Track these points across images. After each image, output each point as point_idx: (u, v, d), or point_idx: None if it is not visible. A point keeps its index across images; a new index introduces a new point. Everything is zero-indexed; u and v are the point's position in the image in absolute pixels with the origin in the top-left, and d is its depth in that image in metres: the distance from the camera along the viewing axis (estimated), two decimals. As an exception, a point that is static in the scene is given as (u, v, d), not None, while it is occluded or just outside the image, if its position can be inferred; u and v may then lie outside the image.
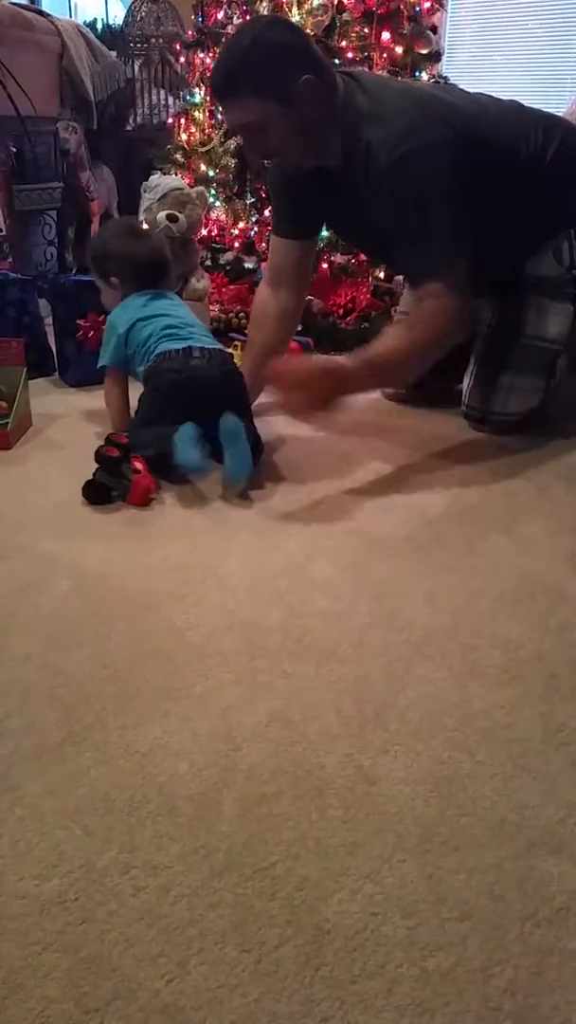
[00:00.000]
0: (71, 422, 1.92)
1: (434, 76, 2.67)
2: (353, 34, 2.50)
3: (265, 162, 2.02)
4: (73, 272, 3.33)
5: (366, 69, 2.49)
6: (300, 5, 2.52)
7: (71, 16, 4.34)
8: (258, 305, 1.96)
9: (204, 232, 2.74)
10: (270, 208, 2.07)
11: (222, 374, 1.66)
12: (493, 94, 1.76)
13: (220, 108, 1.78)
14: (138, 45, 3.87)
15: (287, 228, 1.87)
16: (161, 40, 3.81)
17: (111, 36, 3.92)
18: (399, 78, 2.41)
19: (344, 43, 2.51)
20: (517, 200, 1.68)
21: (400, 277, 2.48)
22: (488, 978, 0.66)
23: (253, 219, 2.75)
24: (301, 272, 1.92)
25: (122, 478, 1.50)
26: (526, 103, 1.78)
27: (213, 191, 2.74)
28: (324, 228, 1.97)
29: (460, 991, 0.65)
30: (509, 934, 0.70)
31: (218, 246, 2.82)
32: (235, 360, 2.21)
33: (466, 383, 1.89)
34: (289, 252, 1.88)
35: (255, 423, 1.69)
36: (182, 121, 2.94)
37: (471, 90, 1.79)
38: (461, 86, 2.61)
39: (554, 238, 1.76)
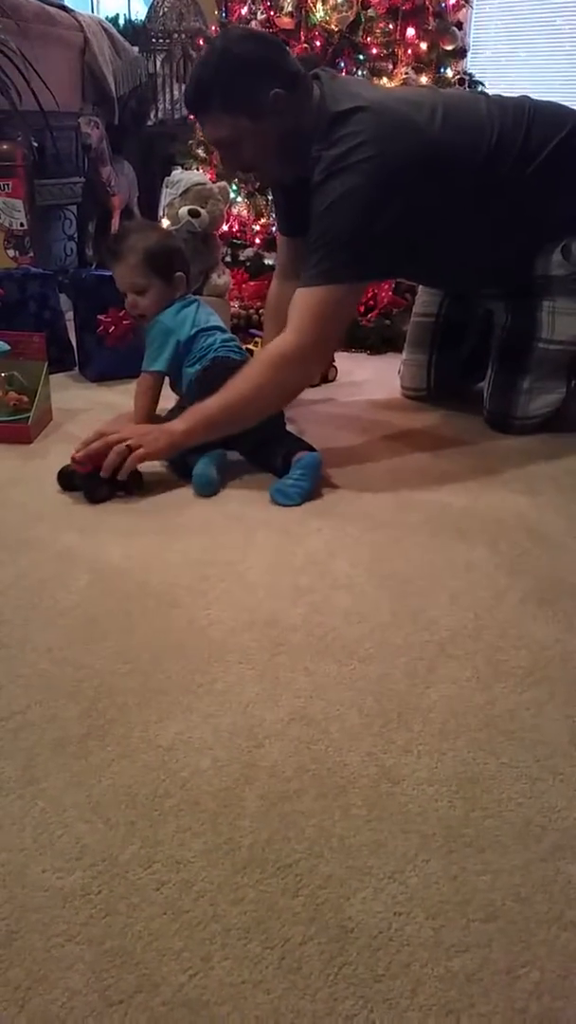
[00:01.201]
0: (91, 417, 1.92)
1: (459, 72, 2.66)
2: (378, 30, 2.50)
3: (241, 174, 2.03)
4: (93, 267, 3.34)
5: (389, 67, 2.48)
6: (324, 1, 2.51)
7: (93, 12, 4.35)
8: (271, 299, 2.00)
9: (225, 228, 2.74)
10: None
11: None
12: (491, 93, 1.75)
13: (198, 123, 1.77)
14: (160, 40, 3.87)
15: (286, 226, 1.91)
16: (183, 35, 3.81)
17: (133, 31, 3.93)
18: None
19: (369, 39, 2.50)
20: (504, 204, 1.66)
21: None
22: (514, 980, 0.66)
23: (274, 215, 2.74)
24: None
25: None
26: (553, 99, 1.76)
27: (235, 187, 2.74)
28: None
29: (486, 992, 0.65)
30: (535, 936, 0.69)
31: (238, 242, 2.82)
32: None
33: (486, 387, 1.88)
34: (291, 249, 1.89)
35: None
36: (204, 117, 2.93)
37: (492, 86, 1.78)
38: (485, 82, 2.61)
39: (558, 238, 1.73)
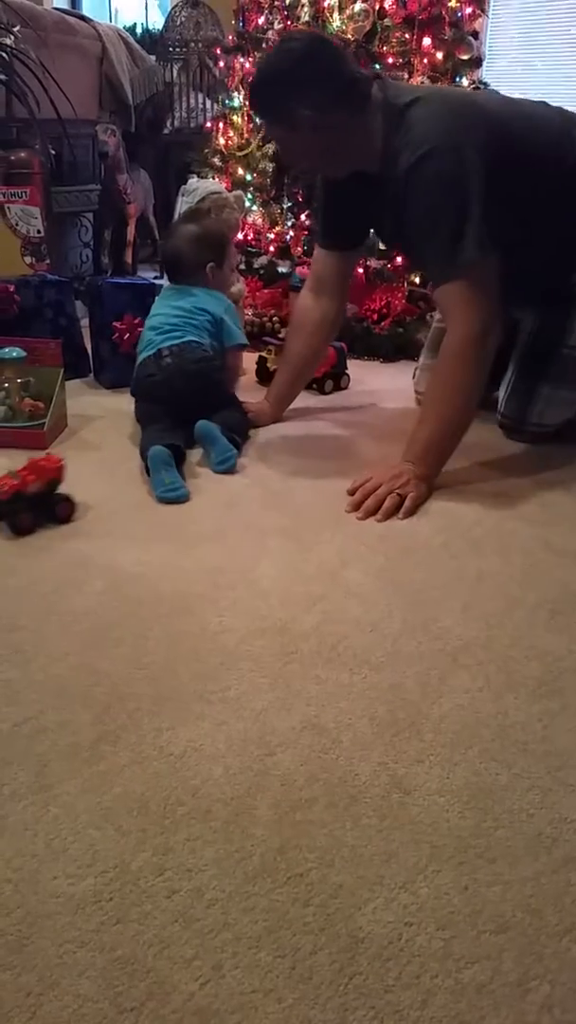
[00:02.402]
0: (105, 423, 1.93)
1: (474, 82, 2.66)
2: (394, 39, 2.50)
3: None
4: (108, 274, 3.36)
5: (405, 76, 2.49)
6: (341, 10, 2.52)
7: (111, 21, 4.39)
8: (299, 312, 1.97)
9: (240, 236, 2.75)
10: (311, 215, 2.07)
11: (192, 370, 1.77)
12: (535, 100, 1.75)
13: None
14: (177, 49, 3.90)
15: (331, 240, 1.88)
16: (200, 45, 3.83)
17: (150, 41, 3.97)
18: (438, 84, 2.41)
19: (385, 48, 2.51)
20: (560, 207, 1.66)
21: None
22: (524, 992, 0.65)
23: (289, 223, 2.76)
24: (343, 281, 1.93)
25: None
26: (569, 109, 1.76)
27: (250, 195, 2.75)
28: (368, 236, 1.96)
29: (496, 1005, 0.65)
30: (546, 949, 0.69)
31: (253, 250, 2.83)
32: (268, 364, 2.22)
33: (503, 391, 1.87)
34: (332, 263, 1.88)
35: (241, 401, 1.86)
36: (220, 125, 2.96)
37: (512, 95, 1.78)
38: (501, 92, 2.60)
39: None
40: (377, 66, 2.48)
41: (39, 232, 2.35)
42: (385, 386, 2.32)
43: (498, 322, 1.56)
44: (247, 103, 2.82)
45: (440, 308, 1.62)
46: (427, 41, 2.51)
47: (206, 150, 3.00)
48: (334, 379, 2.26)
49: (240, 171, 2.83)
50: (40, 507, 1.41)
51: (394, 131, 1.55)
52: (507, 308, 1.80)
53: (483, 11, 2.79)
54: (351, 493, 1.54)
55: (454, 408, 1.58)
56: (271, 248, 2.80)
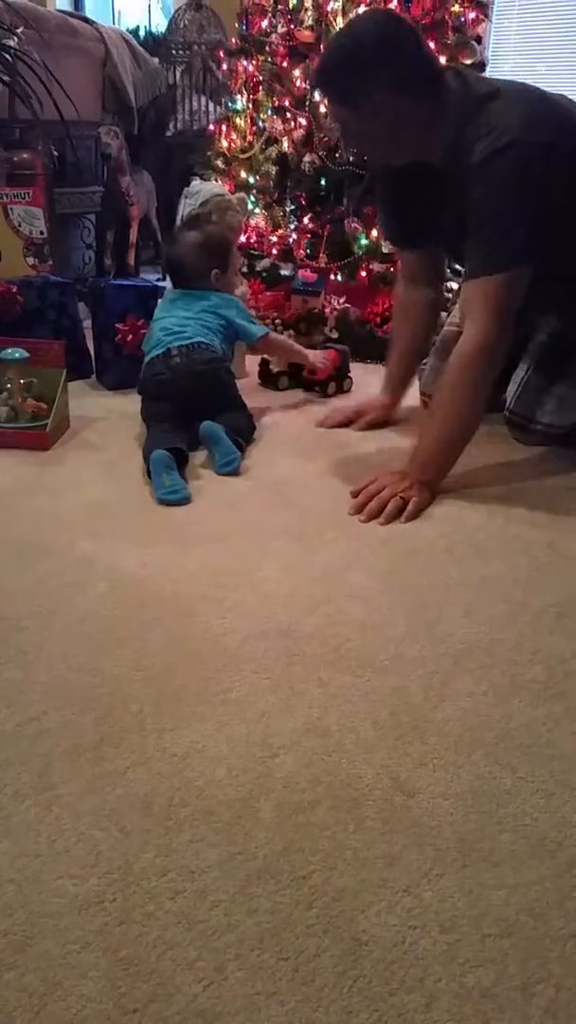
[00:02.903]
0: (108, 424, 1.93)
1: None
2: (397, 44, 2.50)
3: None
4: (111, 276, 3.36)
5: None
6: (345, 14, 2.53)
7: (114, 24, 4.39)
8: (399, 302, 2.01)
9: (242, 238, 2.75)
10: (377, 218, 2.14)
11: (199, 370, 1.78)
12: None
13: None
14: (180, 52, 3.91)
15: (405, 241, 1.92)
16: (203, 47, 3.84)
17: (153, 43, 3.97)
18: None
19: (388, 53, 2.51)
20: None
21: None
22: (529, 997, 0.65)
23: (292, 226, 2.76)
24: (435, 269, 1.96)
25: None
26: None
27: (253, 198, 2.75)
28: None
29: (500, 1009, 0.64)
30: (551, 953, 0.69)
31: (256, 253, 2.83)
32: (271, 367, 2.22)
33: (512, 389, 1.86)
34: (416, 260, 1.93)
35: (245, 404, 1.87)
36: (223, 127, 2.96)
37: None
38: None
39: None
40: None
41: (42, 233, 2.35)
42: (387, 389, 2.32)
43: (512, 331, 1.56)
44: (250, 105, 2.83)
45: (464, 300, 1.62)
46: (431, 45, 2.51)
47: (209, 152, 3.00)
48: (337, 382, 2.26)
49: (243, 174, 2.83)
50: None
51: (469, 121, 1.51)
52: (532, 311, 1.78)
53: (486, 16, 2.79)
54: (355, 496, 1.54)
55: (459, 416, 1.59)
56: (274, 251, 2.80)
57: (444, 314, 2.17)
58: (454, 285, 2.48)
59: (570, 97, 1.69)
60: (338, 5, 2.55)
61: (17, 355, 1.81)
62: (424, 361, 2.07)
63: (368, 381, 2.36)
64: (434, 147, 1.56)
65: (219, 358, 1.84)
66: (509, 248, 1.50)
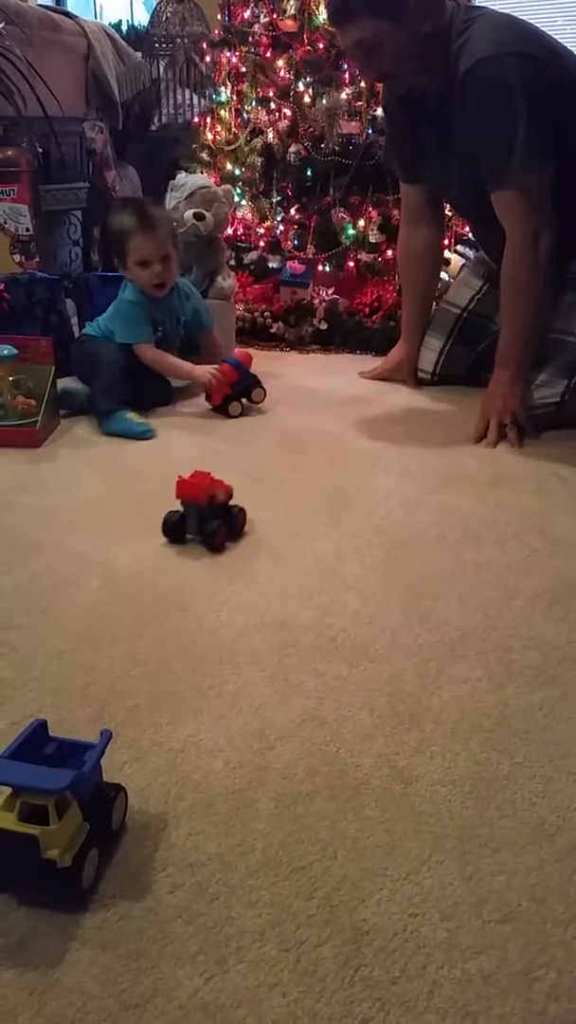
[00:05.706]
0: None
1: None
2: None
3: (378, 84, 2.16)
4: (98, 271, 3.34)
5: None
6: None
7: (96, 18, 4.36)
8: (403, 246, 2.13)
9: (229, 231, 2.74)
10: (387, 153, 2.16)
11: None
12: None
13: (336, 31, 1.91)
14: (163, 45, 3.88)
15: (408, 173, 2.01)
16: (186, 40, 3.81)
17: (136, 37, 3.94)
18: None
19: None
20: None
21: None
22: (531, 981, 0.65)
23: (279, 218, 2.74)
24: (435, 208, 2.06)
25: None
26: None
27: (239, 190, 2.74)
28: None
29: (503, 994, 0.64)
30: (552, 937, 0.69)
31: (243, 245, 2.82)
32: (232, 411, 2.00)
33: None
34: (417, 194, 2.03)
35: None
36: (208, 120, 2.94)
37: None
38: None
39: None
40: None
41: (28, 230, 2.34)
42: (378, 379, 2.32)
43: (550, 226, 1.65)
44: (234, 97, 2.81)
45: (497, 212, 1.71)
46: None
47: (194, 145, 2.99)
48: (240, 397, 1.98)
49: (228, 166, 2.82)
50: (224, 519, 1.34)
51: (454, 41, 1.63)
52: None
53: (469, 2, 2.77)
54: (478, 440, 1.77)
55: (526, 307, 1.73)
56: (261, 243, 2.79)
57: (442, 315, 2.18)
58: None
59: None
60: (320, -6, 2.53)
61: (5, 352, 1.80)
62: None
63: (357, 371, 2.35)
64: (437, 69, 1.66)
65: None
66: (513, 157, 1.60)
